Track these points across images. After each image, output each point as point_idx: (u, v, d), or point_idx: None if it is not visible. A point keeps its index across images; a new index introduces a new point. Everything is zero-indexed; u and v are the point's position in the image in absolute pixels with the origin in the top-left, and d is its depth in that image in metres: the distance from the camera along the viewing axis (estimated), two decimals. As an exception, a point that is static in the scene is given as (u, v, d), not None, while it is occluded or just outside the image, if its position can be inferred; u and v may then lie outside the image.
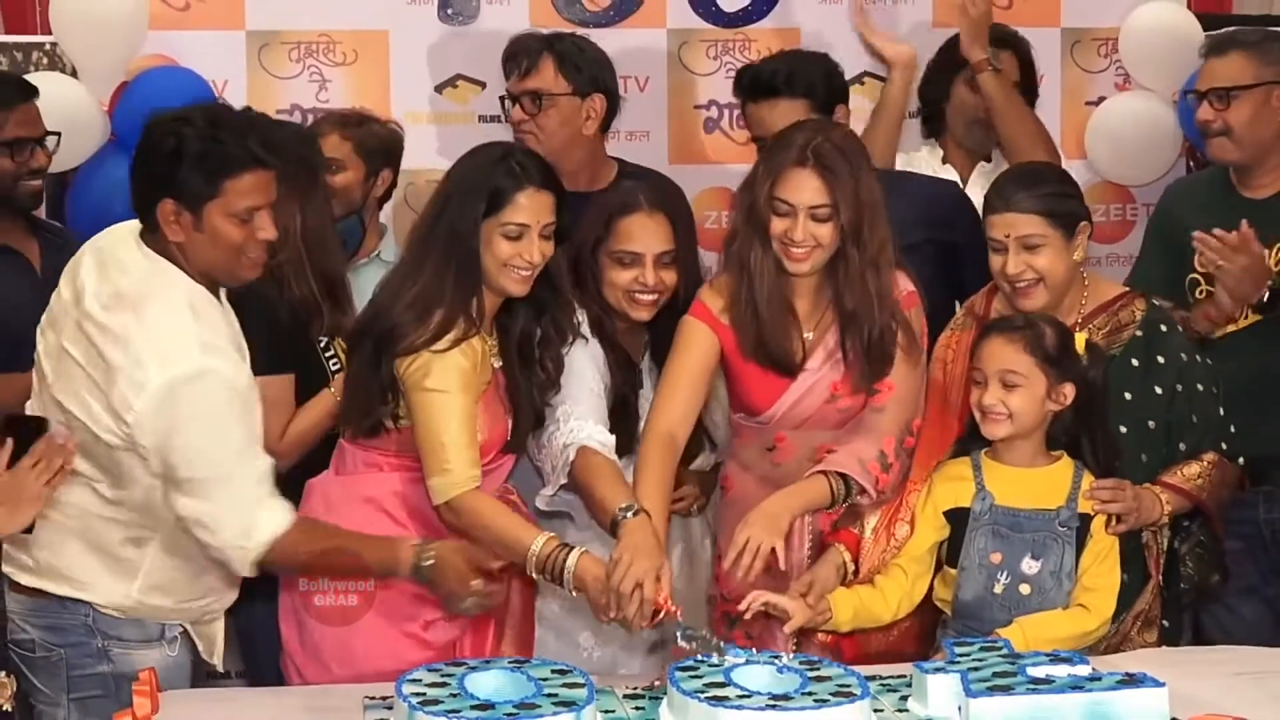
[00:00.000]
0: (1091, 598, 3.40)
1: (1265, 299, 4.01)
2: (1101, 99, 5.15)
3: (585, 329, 3.67)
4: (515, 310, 3.52)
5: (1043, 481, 3.46)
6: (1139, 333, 3.67)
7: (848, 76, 4.99)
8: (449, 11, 5.01)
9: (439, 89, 5.03)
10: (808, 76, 4.20)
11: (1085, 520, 3.42)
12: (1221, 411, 3.72)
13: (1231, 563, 4.05)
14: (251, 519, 3.24)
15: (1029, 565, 3.41)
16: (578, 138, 4.34)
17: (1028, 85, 4.82)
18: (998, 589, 3.41)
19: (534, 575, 3.35)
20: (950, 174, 4.78)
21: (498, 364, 3.51)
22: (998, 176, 3.89)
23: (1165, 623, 3.70)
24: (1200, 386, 3.69)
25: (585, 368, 3.63)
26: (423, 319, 3.38)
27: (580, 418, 3.55)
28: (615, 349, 3.73)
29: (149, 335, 3.15)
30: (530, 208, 3.41)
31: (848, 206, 3.43)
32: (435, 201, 3.50)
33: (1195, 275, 4.20)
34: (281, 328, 3.84)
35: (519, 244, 3.40)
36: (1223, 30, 4.61)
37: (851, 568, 3.51)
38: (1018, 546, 3.42)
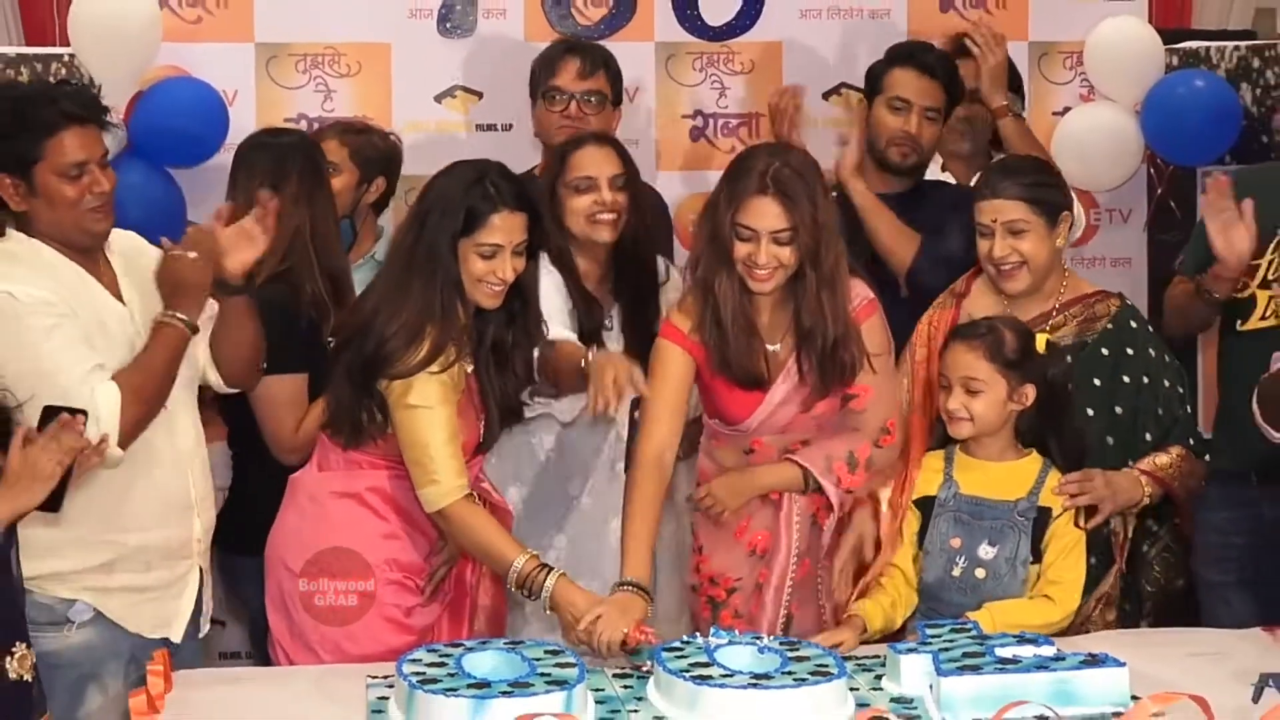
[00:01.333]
0: (1057, 590, 3.40)
1: None
2: (1067, 109, 5.17)
3: (547, 262, 3.77)
4: (488, 318, 3.50)
5: (1009, 475, 3.47)
6: (1109, 325, 3.70)
7: (825, 88, 5.12)
8: (448, 25, 5.01)
9: (438, 99, 5.04)
10: (953, 74, 4.44)
11: (1044, 513, 3.43)
12: (1189, 409, 3.72)
13: (1235, 555, 4.05)
14: (93, 407, 3.19)
15: (985, 551, 3.42)
16: None
17: (1014, 89, 4.81)
18: (956, 572, 3.43)
19: (512, 589, 3.36)
20: (948, 180, 4.76)
21: (469, 368, 3.50)
22: (987, 166, 4.02)
23: (1126, 607, 3.72)
24: (1168, 383, 3.71)
25: (549, 289, 3.77)
26: (413, 343, 3.36)
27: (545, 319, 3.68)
28: (574, 276, 3.84)
29: None
30: (504, 228, 3.40)
31: (805, 230, 3.42)
32: (414, 218, 3.48)
33: None
34: (298, 329, 3.85)
35: (493, 262, 3.40)
36: None
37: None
38: (976, 533, 3.43)
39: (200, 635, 3.59)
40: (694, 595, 3.72)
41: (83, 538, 3.34)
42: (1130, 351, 3.69)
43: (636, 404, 3.69)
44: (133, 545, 3.39)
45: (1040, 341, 3.50)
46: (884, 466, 3.61)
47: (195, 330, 3.40)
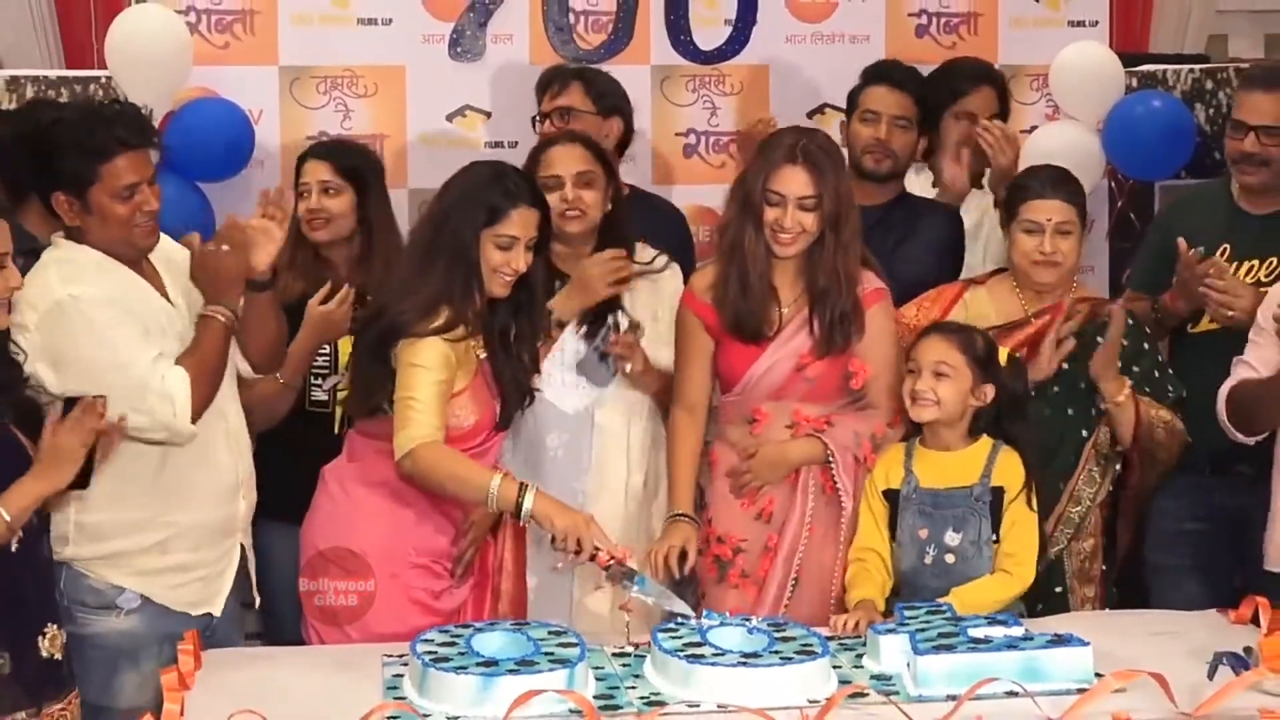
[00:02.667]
0: (1012, 563, 3.39)
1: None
2: (1034, 128, 5.15)
3: None
4: (497, 308, 3.51)
5: (961, 462, 3.46)
6: (1105, 319, 3.74)
7: (808, 109, 5.11)
8: (458, 50, 4.99)
9: (449, 118, 5.01)
10: (921, 87, 4.45)
11: (997, 492, 3.42)
12: (1181, 396, 3.77)
13: (1187, 541, 4.06)
14: (161, 390, 3.21)
15: (951, 537, 3.41)
16: None
17: (1003, 112, 4.75)
18: (928, 560, 3.41)
19: (492, 510, 3.36)
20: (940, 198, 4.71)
21: (483, 355, 3.50)
22: (1035, 169, 3.98)
23: (1114, 589, 3.81)
24: (1157, 374, 3.77)
25: None
26: (428, 314, 3.37)
27: None
28: (549, 264, 3.74)
29: (23, 293, 3.14)
30: (521, 223, 3.42)
31: (830, 199, 3.49)
32: (436, 212, 3.49)
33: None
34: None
35: (508, 253, 3.42)
36: (1269, 65, 4.50)
37: None
38: (940, 522, 3.42)
39: (255, 606, 3.60)
40: (700, 557, 3.66)
41: (140, 519, 3.34)
42: (1124, 341, 3.72)
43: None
44: (186, 524, 3.38)
45: (1003, 355, 3.52)
46: (888, 447, 3.61)
47: (238, 318, 3.38)
